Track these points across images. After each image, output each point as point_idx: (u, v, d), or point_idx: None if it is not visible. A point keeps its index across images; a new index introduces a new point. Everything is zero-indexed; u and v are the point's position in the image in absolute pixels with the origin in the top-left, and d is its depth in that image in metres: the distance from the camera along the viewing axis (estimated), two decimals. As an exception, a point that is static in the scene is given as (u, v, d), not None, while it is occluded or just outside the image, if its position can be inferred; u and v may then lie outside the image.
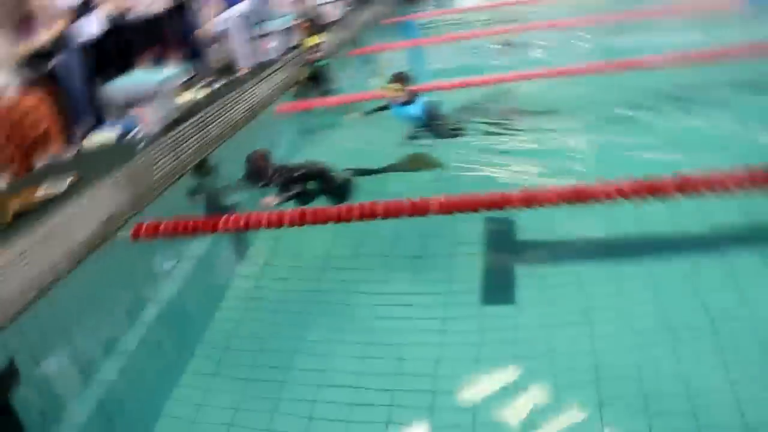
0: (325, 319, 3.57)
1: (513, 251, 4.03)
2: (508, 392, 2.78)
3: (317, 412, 2.86)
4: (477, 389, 2.85)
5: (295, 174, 4.68)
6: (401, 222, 4.15)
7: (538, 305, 3.36)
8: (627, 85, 6.06)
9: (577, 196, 3.96)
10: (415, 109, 5.50)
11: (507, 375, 2.89)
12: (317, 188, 4.67)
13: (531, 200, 4.04)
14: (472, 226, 4.18)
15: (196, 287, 4.38)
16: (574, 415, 2.62)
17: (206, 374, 3.28)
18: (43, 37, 5.80)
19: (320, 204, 4.55)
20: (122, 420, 3.18)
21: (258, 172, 4.71)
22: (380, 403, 2.84)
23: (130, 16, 6.98)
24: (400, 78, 5.54)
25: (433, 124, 5.46)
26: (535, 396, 2.75)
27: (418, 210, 4.17)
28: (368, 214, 4.21)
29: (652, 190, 3.85)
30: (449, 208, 4.16)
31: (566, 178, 4.23)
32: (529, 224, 4.12)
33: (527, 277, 3.66)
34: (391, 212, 4.19)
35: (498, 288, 3.63)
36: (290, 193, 4.54)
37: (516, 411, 2.68)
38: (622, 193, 3.89)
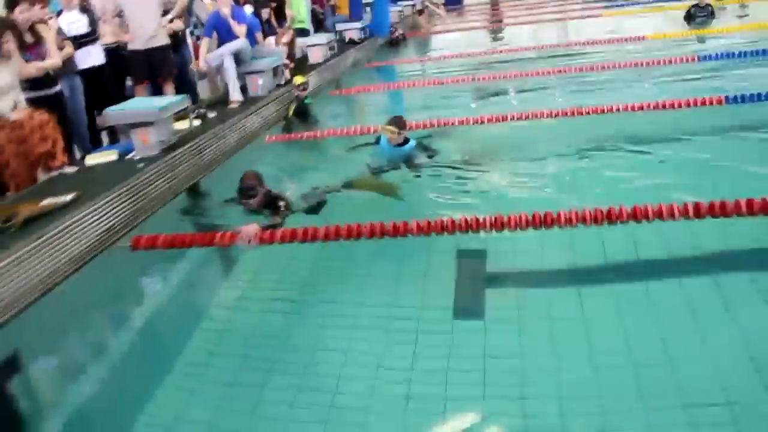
0: (304, 330, 3.83)
1: (483, 273, 4.34)
2: (475, 407, 2.95)
3: (295, 415, 3.06)
4: (447, 404, 3.00)
5: (277, 201, 5.08)
6: (377, 244, 4.56)
7: (506, 324, 3.60)
8: (588, 129, 6.66)
9: (543, 222, 4.45)
10: (406, 150, 6.04)
11: (474, 393, 3.05)
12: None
13: (501, 224, 4.53)
14: (446, 250, 4.55)
15: (185, 296, 4.68)
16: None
17: (191, 376, 3.50)
18: (50, 61, 6.19)
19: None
20: (107, 419, 3.31)
21: (248, 189, 5.06)
22: (357, 405, 3.08)
23: (131, 47, 7.42)
24: (398, 123, 6.08)
25: (414, 162, 5.98)
26: (497, 414, 2.90)
27: (399, 231, 4.62)
28: (354, 234, 4.64)
29: (609, 217, 4.37)
30: (427, 230, 4.62)
31: (533, 207, 4.68)
32: (498, 248, 4.52)
33: (497, 297, 3.97)
34: (376, 232, 4.63)
35: (469, 308, 3.89)
36: (269, 224, 4.84)
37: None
38: (583, 219, 4.40)
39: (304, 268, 4.72)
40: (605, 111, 7.09)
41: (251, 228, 4.73)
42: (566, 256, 4.33)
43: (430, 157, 6.06)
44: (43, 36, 6.26)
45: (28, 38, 6.16)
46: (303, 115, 8.66)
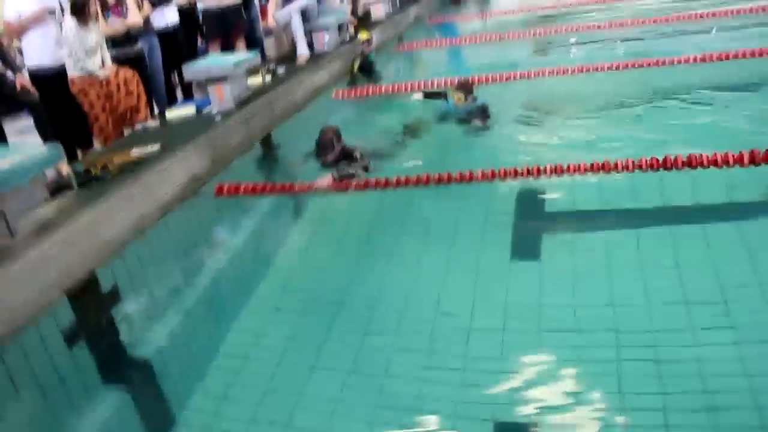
0: (368, 275, 4.02)
1: (542, 219, 4.49)
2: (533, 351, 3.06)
3: (359, 358, 3.18)
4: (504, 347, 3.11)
5: (353, 153, 5.39)
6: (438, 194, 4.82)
7: (563, 268, 3.71)
8: (648, 81, 6.69)
9: (602, 168, 4.62)
10: (470, 107, 6.27)
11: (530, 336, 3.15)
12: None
13: (561, 170, 4.71)
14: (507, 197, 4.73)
15: (259, 244, 4.99)
16: (593, 376, 2.84)
17: (265, 311, 3.79)
18: (132, 20, 6.57)
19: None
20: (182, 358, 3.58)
21: (327, 144, 5.40)
22: (419, 347, 3.22)
23: (205, 6, 7.74)
24: (465, 87, 6.30)
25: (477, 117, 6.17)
26: (558, 358, 2.98)
27: (464, 178, 4.88)
28: (423, 181, 4.94)
29: (665, 164, 4.50)
30: (491, 177, 4.85)
31: (592, 155, 4.84)
32: (559, 195, 4.68)
33: (555, 242, 4.10)
34: (443, 180, 4.91)
35: (527, 253, 4.03)
36: (344, 173, 5.16)
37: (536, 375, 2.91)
38: (640, 167, 4.55)
39: (372, 215, 4.97)
40: (665, 63, 7.08)
41: (325, 180, 5.09)
42: (624, 202, 4.46)
43: (484, 120, 6.18)
44: (124, -4, 6.64)
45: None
46: (367, 70, 8.91)
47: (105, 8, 6.48)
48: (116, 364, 3.53)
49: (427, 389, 2.84)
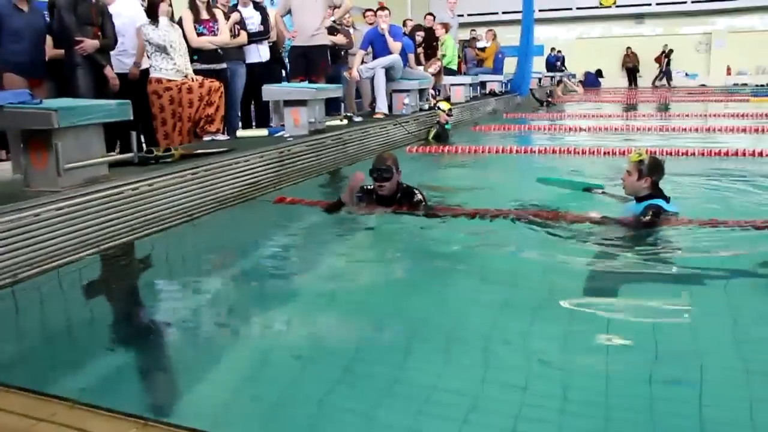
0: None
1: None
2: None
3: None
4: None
5: (413, 194, 4.60)
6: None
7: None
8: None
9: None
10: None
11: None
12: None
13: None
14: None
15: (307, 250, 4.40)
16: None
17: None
18: (220, 38, 6.56)
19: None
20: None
21: (385, 169, 4.49)
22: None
23: (293, 43, 7.74)
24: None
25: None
26: None
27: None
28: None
29: None
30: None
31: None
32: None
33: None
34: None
35: None
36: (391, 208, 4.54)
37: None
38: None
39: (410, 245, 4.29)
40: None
41: (359, 176, 4.51)
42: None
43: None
44: (217, 16, 6.65)
45: (204, 14, 6.56)
46: (442, 139, 8.67)
47: (197, 21, 6.49)
48: (126, 331, 3.06)
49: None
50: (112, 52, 5.80)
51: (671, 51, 23.23)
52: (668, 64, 23.53)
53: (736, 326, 2.79)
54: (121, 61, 6.08)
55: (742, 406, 2.13)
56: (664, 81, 23.60)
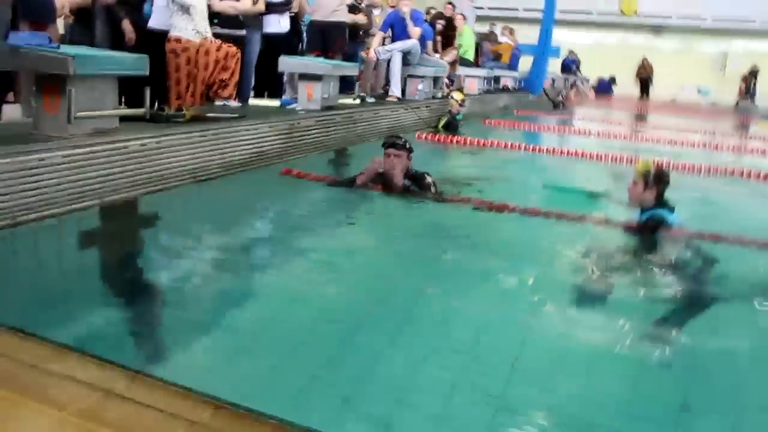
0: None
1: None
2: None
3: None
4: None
5: (424, 178, 4.64)
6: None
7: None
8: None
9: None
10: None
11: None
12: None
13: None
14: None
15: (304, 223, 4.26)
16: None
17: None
18: (241, 4, 6.51)
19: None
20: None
21: (397, 138, 4.64)
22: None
23: (312, 18, 7.69)
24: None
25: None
26: None
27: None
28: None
29: None
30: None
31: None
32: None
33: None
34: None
35: None
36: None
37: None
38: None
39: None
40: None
41: (378, 161, 4.55)
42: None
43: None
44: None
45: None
46: (452, 129, 8.63)
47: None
48: (119, 282, 3.05)
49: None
50: None
51: (757, 71, 21.06)
52: (755, 84, 21.30)
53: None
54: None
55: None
56: (748, 101, 21.15)
